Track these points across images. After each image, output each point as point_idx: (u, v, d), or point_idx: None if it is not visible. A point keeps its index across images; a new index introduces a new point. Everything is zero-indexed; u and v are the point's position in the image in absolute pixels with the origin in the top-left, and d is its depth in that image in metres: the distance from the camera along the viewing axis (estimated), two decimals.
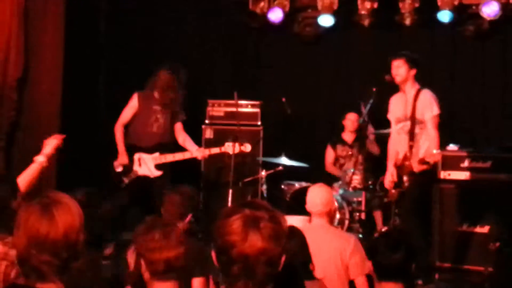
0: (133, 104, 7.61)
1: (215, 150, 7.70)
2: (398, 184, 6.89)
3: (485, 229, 7.43)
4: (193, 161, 8.96)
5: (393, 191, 6.98)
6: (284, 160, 8.48)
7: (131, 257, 3.66)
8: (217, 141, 8.18)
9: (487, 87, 9.42)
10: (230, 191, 8.28)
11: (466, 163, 7.67)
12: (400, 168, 6.88)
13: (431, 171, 6.99)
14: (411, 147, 6.85)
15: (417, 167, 6.65)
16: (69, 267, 2.45)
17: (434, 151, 6.58)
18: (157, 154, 7.52)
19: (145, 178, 7.55)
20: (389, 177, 7.02)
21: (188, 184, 8.93)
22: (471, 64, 9.52)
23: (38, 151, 7.83)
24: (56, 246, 2.40)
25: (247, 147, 7.80)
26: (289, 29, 9.83)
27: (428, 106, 6.84)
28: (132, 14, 9.67)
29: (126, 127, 7.68)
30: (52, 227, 2.40)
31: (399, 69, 6.92)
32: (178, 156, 7.56)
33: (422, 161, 6.58)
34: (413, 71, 6.94)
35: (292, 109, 9.05)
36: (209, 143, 8.64)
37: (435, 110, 6.84)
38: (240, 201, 2.50)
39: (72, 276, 2.50)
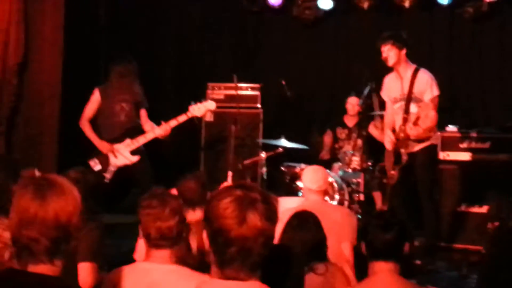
0: (96, 98, 7.61)
1: (175, 122, 7.54)
2: (396, 161, 6.89)
3: (484, 209, 7.46)
4: (194, 143, 9.02)
5: (392, 172, 7.00)
6: (283, 142, 8.49)
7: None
8: (217, 124, 8.21)
9: (486, 69, 9.43)
10: (230, 173, 8.32)
11: (465, 144, 7.72)
12: (397, 143, 6.88)
13: (435, 147, 6.99)
14: (405, 119, 6.83)
15: (413, 129, 6.63)
16: (60, 249, 2.47)
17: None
18: (128, 141, 7.54)
19: (125, 167, 7.57)
20: (387, 138, 6.99)
21: (188, 167, 9.14)
22: (470, 46, 9.52)
23: (38, 135, 7.96)
24: (45, 225, 2.41)
25: (211, 104, 7.71)
26: (289, 12, 9.84)
27: (428, 87, 6.80)
28: None
29: (91, 122, 7.68)
30: (42, 207, 2.41)
31: (390, 53, 6.90)
32: (149, 136, 7.55)
33: (416, 122, 6.55)
34: (404, 51, 6.90)
35: (292, 91, 9.07)
36: (210, 126, 8.66)
37: (435, 91, 6.81)
38: (232, 184, 2.52)
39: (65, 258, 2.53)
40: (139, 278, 3.29)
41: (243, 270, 2.36)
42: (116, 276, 3.36)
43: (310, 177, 5.47)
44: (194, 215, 4.85)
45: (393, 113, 7.10)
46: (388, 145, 6.97)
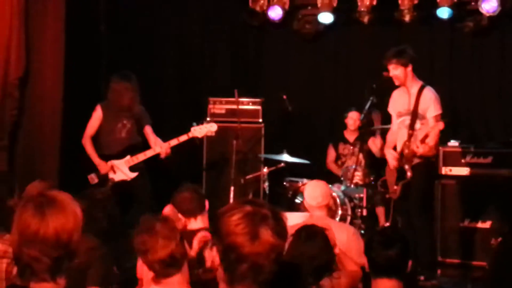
0: (98, 115, 7.66)
1: (175, 141, 7.58)
2: (400, 177, 6.87)
3: (487, 225, 7.46)
4: (195, 158, 9.00)
5: (395, 187, 6.97)
6: (285, 157, 8.49)
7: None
8: (219, 138, 8.20)
9: (486, 83, 9.43)
10: (232, 188, 8.31)
11: (467, 159, 7.71)
12: (400, 159, 6.86)
13: (432, 163, 6.97)
14: (410, 135, 6.82)
15: (420, 148, 6.60)
16: (62, 267, 2.45)
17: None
18: (128, 157, 7.56)
19: (123, 183, 7.57)
20: (390, 155, 6.96)
21: (190, 182, 9.11)
22: (471, 60, 9.52)
23: (39, 149, 7.94)
24: (46, 244, 2.39)
25: (213, 126, 7.76)
26: (289, 26, 9.84)
27: (431, 104, 6.82)
28: (132, 12, 9.69)
29: (93, 138, 7.69)
30: (42, 225, 2.40)
31: (395, 72, 6.90)
32: (149, 153, 7.57)
33: (424, 140, 6.53)
34: (409, 68, 6.90)
35: (293, 106, 9.07)
36: (211, 141, 8.66)
37: (438, 109, 6.84)
38: (239, 199, 2.50)
39: (70, 277, 2.50)
40: None
41: (253, 287, 2.35)
42: None
43: (308, 193, 5.49)
44: (196, 223, 4.86)
45: (397, 130, 7.09)
46: (393, 162, 6.94)
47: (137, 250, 3.36)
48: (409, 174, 6.78)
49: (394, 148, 7.03)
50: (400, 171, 6.86)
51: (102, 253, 4.27)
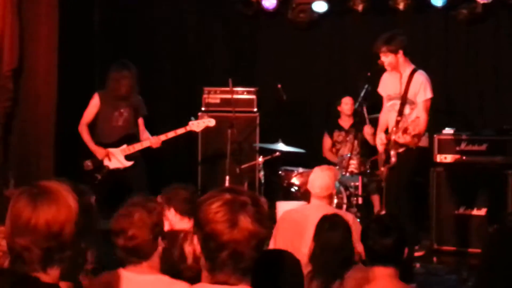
0: (95, 103, 7.65)
1: (172, 134, 7.59)
2: (386, 160, 6.87)
3: (482, 212, 7.48)
4: (191, 148, 9.00)
5: (382, 168, 6.99)
6: (281, 146, 8.50)
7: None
8: (214, 128, 8.20)
9: (481, 71, 9.44)
10: (227, 177, 8.32)
11: (462, 146, 7.73)
12: (388, 144, 6.86)
13: (420, 151, 6.90)
14: (397, 122, 6.79)
15: (400, 137, 6.54)
16: (53, 258, 2.44)
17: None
18: (124, 146, 7.57)
19: (118, 171, 7.58)
20: (379, 141, 6.94)
21: (186, 172, 9.13)
22: (465, 47, 9.54)
23: (34, 140, 7.94)
24: (37, 234, 2.39)
25: (211, 122, 7.78)
26: (283, 15, 9.82)
27: (422, 89, 6.73)
28: (127, 2, 9.68)
29: (89, 127, 7.69)
30: (34, 215, 2.39)
31: (386, 59, 6.85)
32: (146, 144, 7.58)
33: (406, 130, 6.46)
34: (400, 53, 6.84)
35: (288, 95, 9.06)
36: (206, 131, 8.64)
37: (428, 93, 6.74)
38: (219, 188, 2.50)
39: (62, 268, 2.50)
40: (119, 286, 3.26)
41: (234, 275, 2.36)
42: (97, 283, 3.33)
43: (312, 180, 5.45)
44: (189, 224, 4.83)
45: (386, 109, 7.06)
46: (380, 147, 6.94)
47: (110, 228, 3.36)
48: (393, 159, 6.77)
49: (387, 131, 7.00)
50: (387, 155, 6.86)
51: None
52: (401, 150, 6.77)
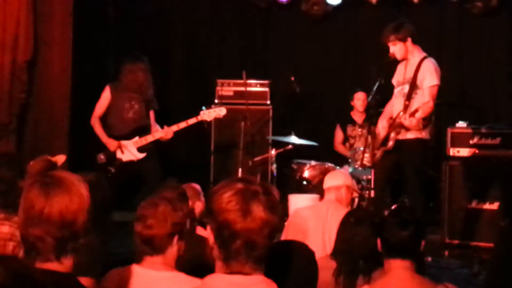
0: (106, 95, 7.66)
1: (184, 124, 7.59)
2: (383, 142, 6.87)
3: (495, 206, 7.45)
4: (204, 140, 9.01)
5: (376, 151, 6.98)
6: (293, 139, 8.49)
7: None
8: (227, 120, 8.21)
9: (495, 64, 9.41)
10: (240, 170, 8.34)
11: (475, 140, 7.68)
12: (391, 126, 6.84)
13: (421, 142, 6.88)
14: (406, 106, 6.75)
15: (407, 119, 6.54)
16: (67, 247, 2.47)
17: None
18: (136, 138, 7.58)
19: (131, 163, 7.60)
20: (381, 126, 6.94)
21: (198, 165, 9.15)
22: (479, 41, 9.50)
23: (48, 131, 7.98)
24: (50, 224, 2.41)
25: (222, 111, 7.79)
26: (297, 8, 9.82)
27: (429, 75, 6.70)
28: None
29: (102, 120, 7.72)
30: (47, 205, 2.41)
31: (394, 48, 6.84)
32: (157, 135, 7.58)
33: (414, 113, 6.47)
34: (408, 41, 6.83)
35: (301, 87, 9.06)
36: (219, 123, 8.67)
37: (435, 80, 6.69)
38: (231, 178, 2.52)
39: (75, 257, 2.52)
40: (131, 282, 3.25)
41: (248, 264, 2.38)
42: (110, 278, 3.34)
43: (327, 177, 5.50)
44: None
45: (393, 100, 7.07)
46: (382, 131, 6.93)
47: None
48: (390, 143, 6.76)
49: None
50: (385, 138, 6.85)
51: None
52: (400, 136, 6.75)
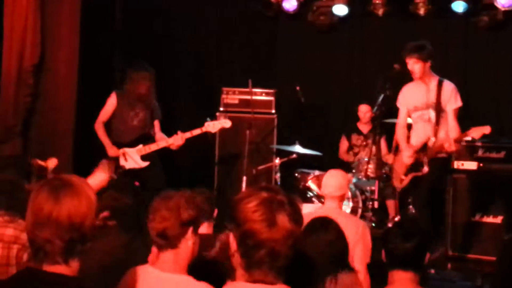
0: (112, 102, 7.67)
1: (188, 135, 7.56)
2: (414, 168, 6.88)
3: (498, 219, 7.43)
4: (208, 148, 9.02)
5: (403, 177, 6.98)
6: (298, 148, 8.51)
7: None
8: (232, 129, 8.22)
9: (500, 78, 9.41)
10: (244, 178, 8.34)
11: (479, 153, 7.67)
12: (420, 153, 6.87)
13: (447, 159, 7.00)
14: (436, 131, 6.85)
15: (452, 146, 6.66)
16: (75, 250, 2.47)
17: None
18: (140, 146, 7.57)
19: (134, 171, 7.59)
20: (407, 153, 6.97)
21: (202, 172, 9.15)
22: (485, 55, 9.51)
23: (53, 136, 7.99)
24: (58, 227, 2.42)
25: (227, 123, 7.78)
26: (304, 18, 9.84)
27: (453, 97, 6.89)
28: (148, 1, 9.72)
29: (106, 126, 7.72)
30: (56, 207, 2.42)
31: (415, 66, 6.89)
32: (162, 144, 7.57)
33: (457, 140, 6.66)
34: (428, 64, 6.92)
35: (306, 97, 9.07)
36: (224, 131, 8.65)
37: (459, 102, 6.92)
38: (255, 186, 2.51)
39: (82, 259, 2.52)
40: (139, 282, 3.23)
41: (271, 273, 2.39)
42: (127, 277, 3.32)
43: (324, 181, 5.46)
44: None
45: (405, 124, 7.11)
46: (408, 160, 6.95)
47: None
48: (426, 169, 6.79)
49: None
50: (416, 163, 6.88)
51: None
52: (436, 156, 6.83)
